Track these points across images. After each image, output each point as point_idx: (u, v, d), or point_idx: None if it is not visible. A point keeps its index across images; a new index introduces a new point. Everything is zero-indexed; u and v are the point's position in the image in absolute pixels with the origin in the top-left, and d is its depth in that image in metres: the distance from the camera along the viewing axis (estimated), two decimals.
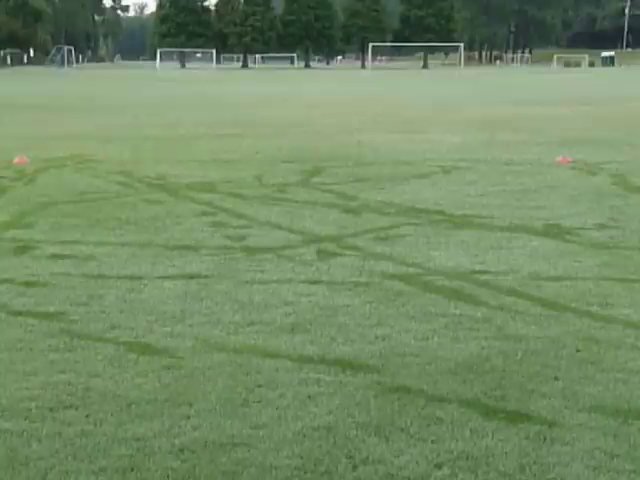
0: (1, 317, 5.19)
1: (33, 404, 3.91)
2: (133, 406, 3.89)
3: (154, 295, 5.67)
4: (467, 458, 3.41)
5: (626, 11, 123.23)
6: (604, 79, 54.20)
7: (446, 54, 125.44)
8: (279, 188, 10.25)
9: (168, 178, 10.98)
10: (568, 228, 7.87)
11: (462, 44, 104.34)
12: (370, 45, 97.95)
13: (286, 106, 26.30)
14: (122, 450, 3.47)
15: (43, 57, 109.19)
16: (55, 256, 6.75)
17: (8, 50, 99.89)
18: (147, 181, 10.79)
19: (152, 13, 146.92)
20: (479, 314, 5.26)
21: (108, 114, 22.81)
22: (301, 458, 3.41)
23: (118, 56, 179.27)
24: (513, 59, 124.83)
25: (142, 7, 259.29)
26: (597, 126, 18.83)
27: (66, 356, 4.51)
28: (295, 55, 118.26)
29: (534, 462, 3.39)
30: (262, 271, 6.30)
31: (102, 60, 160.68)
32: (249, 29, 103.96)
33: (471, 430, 3.65)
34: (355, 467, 3.35)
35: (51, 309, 5.34)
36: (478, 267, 6.42)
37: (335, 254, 6.86)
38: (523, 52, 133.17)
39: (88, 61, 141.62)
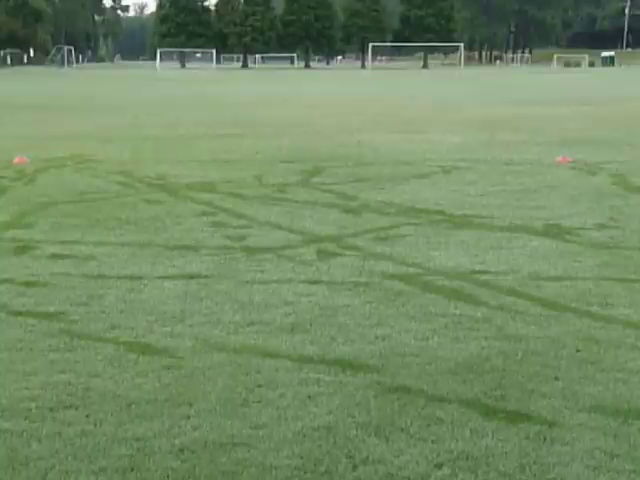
0: (1, 317, 5.19)
1: (33, 404, 3.91)
2: (133, 406, 3.89)
3: (154, 295, 5.67)
4: (467, 458, 3.41)
5: (626, 11, 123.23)
6: (604, 79, 54.20)
7: (446, 54, 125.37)
8: (279, 188, 10.25)
9: (168, 178, 10.98)
10: (568, 228, 7.87)
11: (462, 44, 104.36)
12: (370, 45, 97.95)
13: (286, 106, 26.30)
14: (122, 450, 3.48)
15: (43, 57, 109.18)
16: (55, 256, 6.75)
17: (8, 50, 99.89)
18: (147, 181, 10.79)
19: (152, 13, 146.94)
20: (479, 314, 5.27)
21: (108, 114, 22.81)
22: (301, 458, 3.41)
23: (118, 56, 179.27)
24: (513, 59, 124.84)
25: (142, 7, 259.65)
26: (597, 126, 18.83)
27: (66, 356, 4.51)
28: (295, 55, 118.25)
29: (534, 462, 3.39)
30: (262, 271, 6.30)
31: (102, 60, 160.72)
32: (249, 29, 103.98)
33: (471, 430, 3.65)
34: (355, 467, 3.35)
35: (51, 309, 5.34)
36: (478, 267, 6.42)
37: (335, 254, 6.86)
38: (523, 52, 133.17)
39: (88, 61, 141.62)
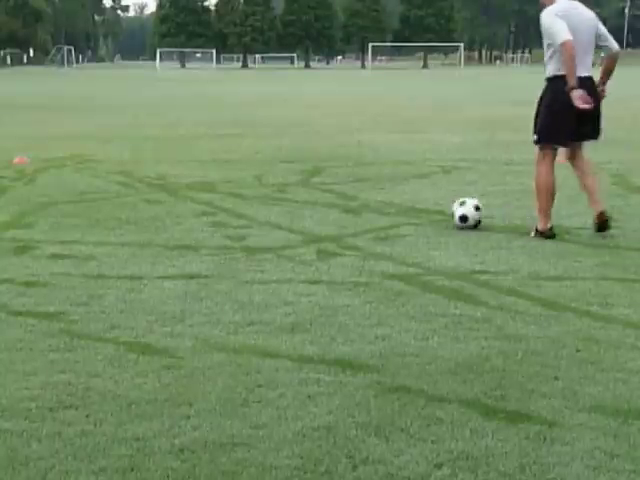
0: (1, 317, 5.19)
1: (33, 404, 3.91)
2: (133, 406, 3.89)
3: (154, 295, 5.67)
4: (467, 458, 3.41)
5: (626, 11, 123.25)
6: None
7: (446, 54, 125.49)
8: (279, 188, 10.25)
9: (168, 178, 10.98)
10: (568, 228, 7.87)
11: (462, 44, 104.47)
12: (370, 45, 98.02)
13: (286, 106, 26.30)
14: (122, 450, 3.47)
15: (43, 57, 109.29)
16: (55, 256, 6.75)
17: (8, 50, 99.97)
18: (147, 181, 10.79)
19: (152, 13, 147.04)
20: (479, 314, 5.27)
21: (108, 114, 22.81)
22: (301, 458, 3.41)
23: (118, 56, 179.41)
24: (513, 59, 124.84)
25: (142, 7, 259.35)
26: None
27: (66, 356, 4.51)
28: (295, 55, 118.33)
29: (534, 462, 3.38)
30: (262, 271, 6.30)
31: (102, 60, 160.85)
32: (249, 29, 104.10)
33: (471, 430, 3.65)
34: (355, 467, 3.35)
35: (51, 309, 5.34)
36: (478, 267, 6.42)
37: (335, 254, 6.86)
38: (523, 52, 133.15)
39: (88, 61, 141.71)
